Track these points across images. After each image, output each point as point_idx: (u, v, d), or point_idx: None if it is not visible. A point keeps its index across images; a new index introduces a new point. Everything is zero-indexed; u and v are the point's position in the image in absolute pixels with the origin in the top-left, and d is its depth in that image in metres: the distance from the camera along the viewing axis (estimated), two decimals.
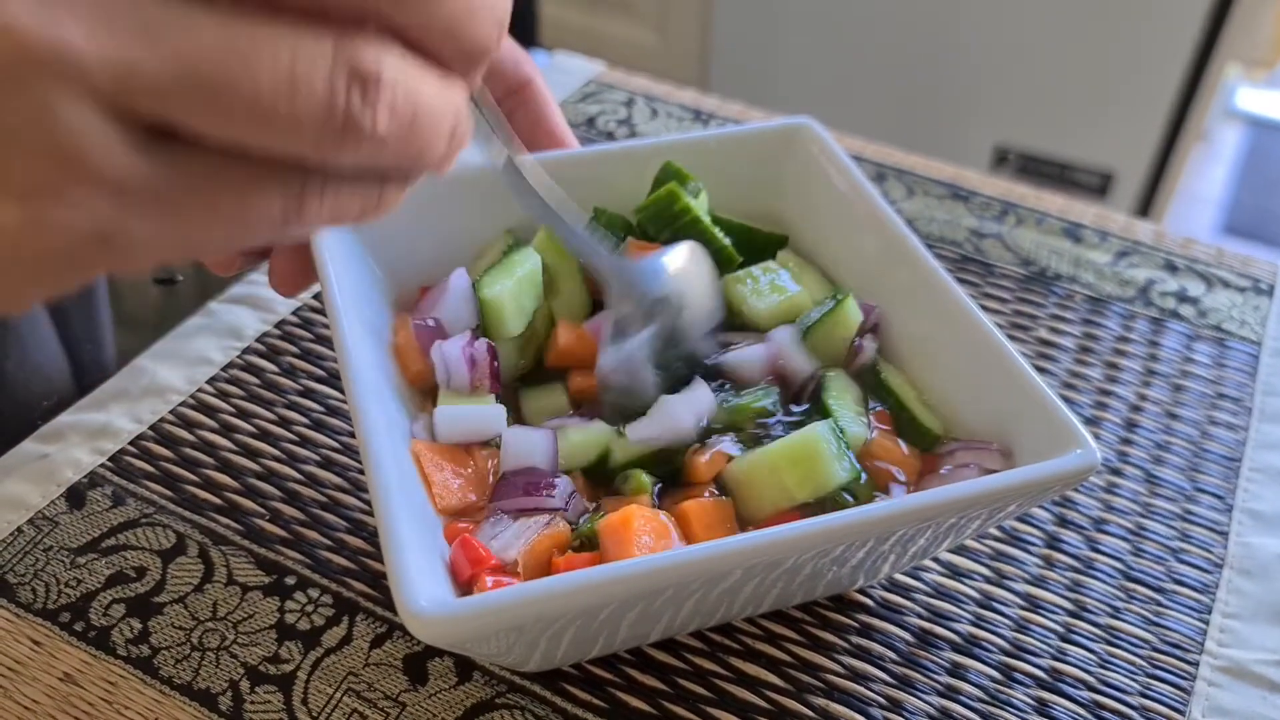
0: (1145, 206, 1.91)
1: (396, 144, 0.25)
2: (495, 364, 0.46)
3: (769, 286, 0.51)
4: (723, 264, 0.51)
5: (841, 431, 0.44)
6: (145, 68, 0.21)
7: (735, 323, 0.50)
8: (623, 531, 0.40)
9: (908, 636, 0.49)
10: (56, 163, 0.22)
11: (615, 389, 0.47)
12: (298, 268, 0.46)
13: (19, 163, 0.22)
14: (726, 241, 0.52)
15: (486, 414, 0.45)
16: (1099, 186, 1.90)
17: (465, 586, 0.39)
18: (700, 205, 0.53)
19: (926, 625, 0.49)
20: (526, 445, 0.44)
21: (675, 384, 0.47)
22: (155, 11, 0.21)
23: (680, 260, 0.48)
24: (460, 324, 0.47)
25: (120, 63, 0.21)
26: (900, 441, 0.46)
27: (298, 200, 0.25)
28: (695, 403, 0.45)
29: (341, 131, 0.23)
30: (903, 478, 0.44)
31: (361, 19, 0.24)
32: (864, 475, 0.44)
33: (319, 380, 0.59)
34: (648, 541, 0.40)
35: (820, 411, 0.45)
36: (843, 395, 0.46)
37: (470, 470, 0.44)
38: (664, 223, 0.51)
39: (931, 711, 0.46)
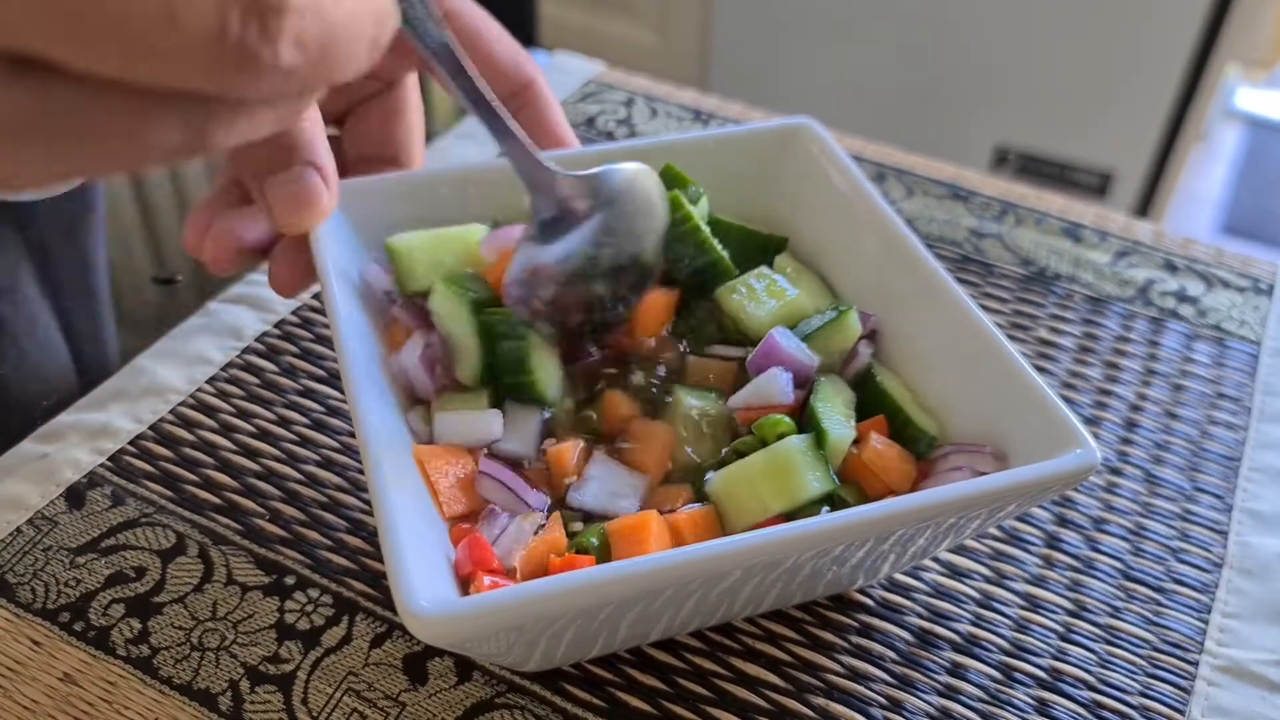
0: (1145, 206, 1.91)
1: (307, 71, 0.23)
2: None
3: (765, 292, 0.51)
4: (718, 276, 0.51)
5: (820, 442, 0.44)
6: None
7: (733, 334, 0.50)
8: (640, 533, 0.40)
9: (908, 636, 0.49)
10: None
11: (518, 297, 0.45)
12: (297, 268, 0.46)
13: None
14: (724, 253, 0.51)
15: (483, 419, 0.45)
16: (1098, 186, 1.91)
17: (465, 584, 0.39)
18: (700, 210, 0.53)
19: (926, 625, 0.49)
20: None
21: (621, 285, 0.46)
22: None
23: (621, 179, 0.47)
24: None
25: None
26: (895, 447, 0.45)
27: (199, 130, 0.24)
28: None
29: (236, 66, 0.21)
30: (896, 486, 0.44)
31: None
32: (840, 484, 0.44)
33: (319, 380, 0.59)
34: (658, 549, 0.40)
35: (809, 416, 0.45)
36: (832, 399, 0.46)
37: (472, 473, 0.44)
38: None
39: (931, 711, 0.46)
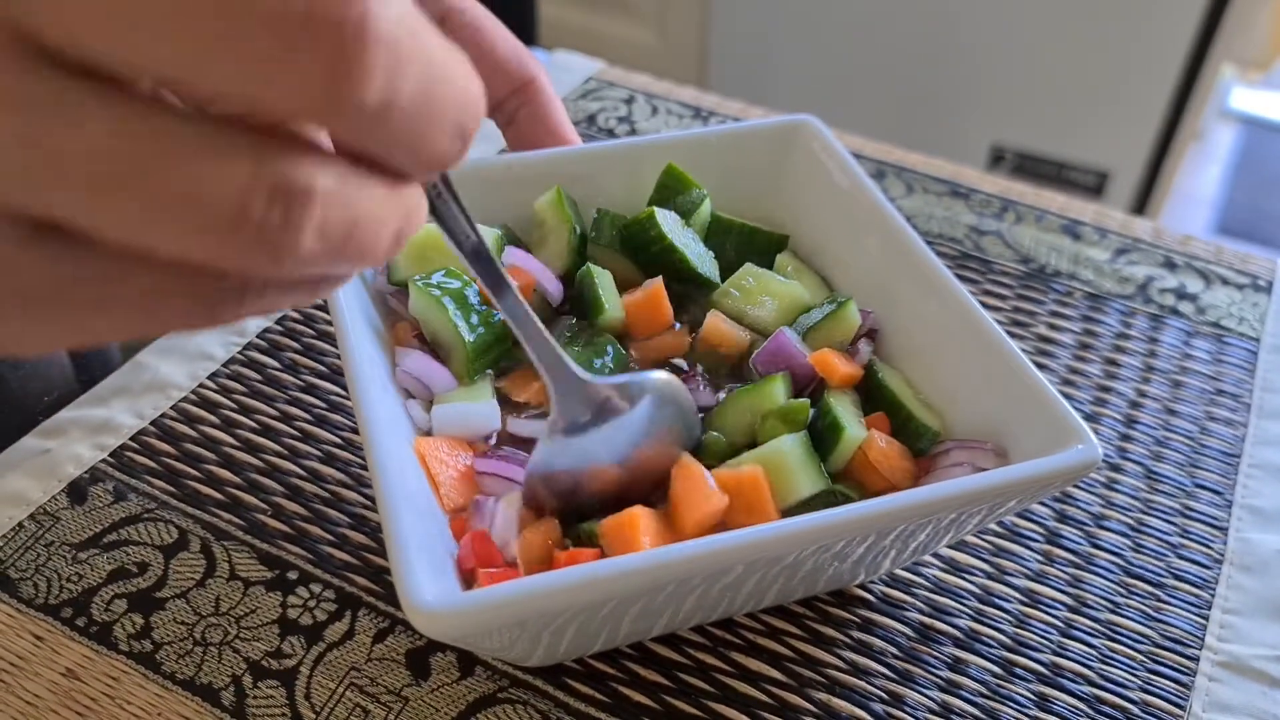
0: (1140, 206, 1.91)
1: (327, 258, 0.22)
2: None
3: (758, 289, 0.51)
4: (700, 288, 0.51)
5: (835, 437, 0.44)
6: (17, 164, 0.19)
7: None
8: (628, 531, 0.40)
9: (909, 631, 0.49)
10: None
11: (529, 495, 0.43)
12: None
13: None
14: (702, 271, 0.51)
15: (482, 410, 0.45)
16: (1094, 186, 1.91)
17: (468, 579, 0.39)
18: (702, 213, 0.53)
19: (927, 620, 0.50)
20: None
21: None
22: (39, 102, 0.19)
23: (658, 380, 0.44)
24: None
25: None
26: (896, 445, 0.46)
27: (210, 307, 0.23)
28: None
29: (255, 250, 0.21)
30: (898, 483, 0.44)
31: (299, 128, 0.22)
32: (842, 482, 0.45)
33: (321, 376, 0.59)
34: (648, 544, 0.40)
35: (823, 410, 0.45)
36: (842, 396, 0.47)
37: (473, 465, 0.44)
38: (639, 245, 0.51)
39: (932, 706, 0.46)
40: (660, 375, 0.44)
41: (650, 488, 0.43)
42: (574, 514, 0.43)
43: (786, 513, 0.42)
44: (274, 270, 0.22)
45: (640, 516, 0.41)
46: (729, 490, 0.41)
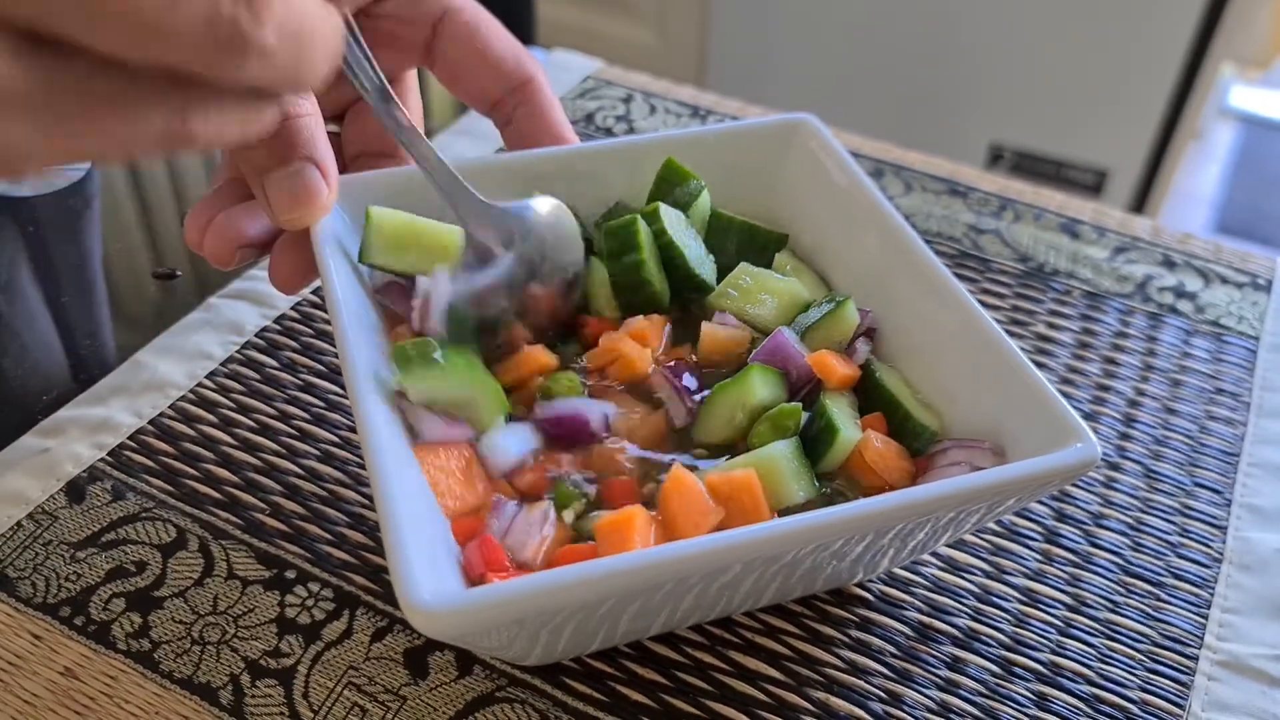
0: (1139, 205, 1.91)
1: (283, 60, 0.25)
2: None
3: (756, 288, 0.51)
4: (651, 300, 0.51)
5: (830, 439, 0.44)
6: None
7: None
8: (624, 531, 0.40)
9: (907, 630, 0.49)
10: None
11: (454, 319, 0.46)
12: (298, 264, 0.46)
13: None
14: (700, 273, 0.51)
15: (520, 439, 0.45)
16: (1093, 185, 1.91)
17: (476, 583, 0.39)
18: (701, 206, 0.53)
19: (926, 619, 0.49)
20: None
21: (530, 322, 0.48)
22: None
23: (545, 209, 0.49)
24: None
25: None
26: (894, 445, 0.46)
27: (181, 116, 0.26)
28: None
29: (229, 44, 0.24)
30: (895, 483, 0.44)
31: None
32: (838, 482, 0.45)
33: (319, 375, 0.59)
34: (642, 544, 0.40)
35: (818, 412, 0.45)
36: (839, 398, 0.47)
37: (474, 469, 0.44)
38: (617, 248, 0.51)
39: (931, 705, 0.46)
40: (549, 201, 0.49)
41: (546, 314, 0.49)
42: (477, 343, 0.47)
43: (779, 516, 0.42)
44: (239, 67, 0.24)
45: (636, 515, 0.41)
46: (721, 494, 0.42)
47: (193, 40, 0.23)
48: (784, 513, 0.42)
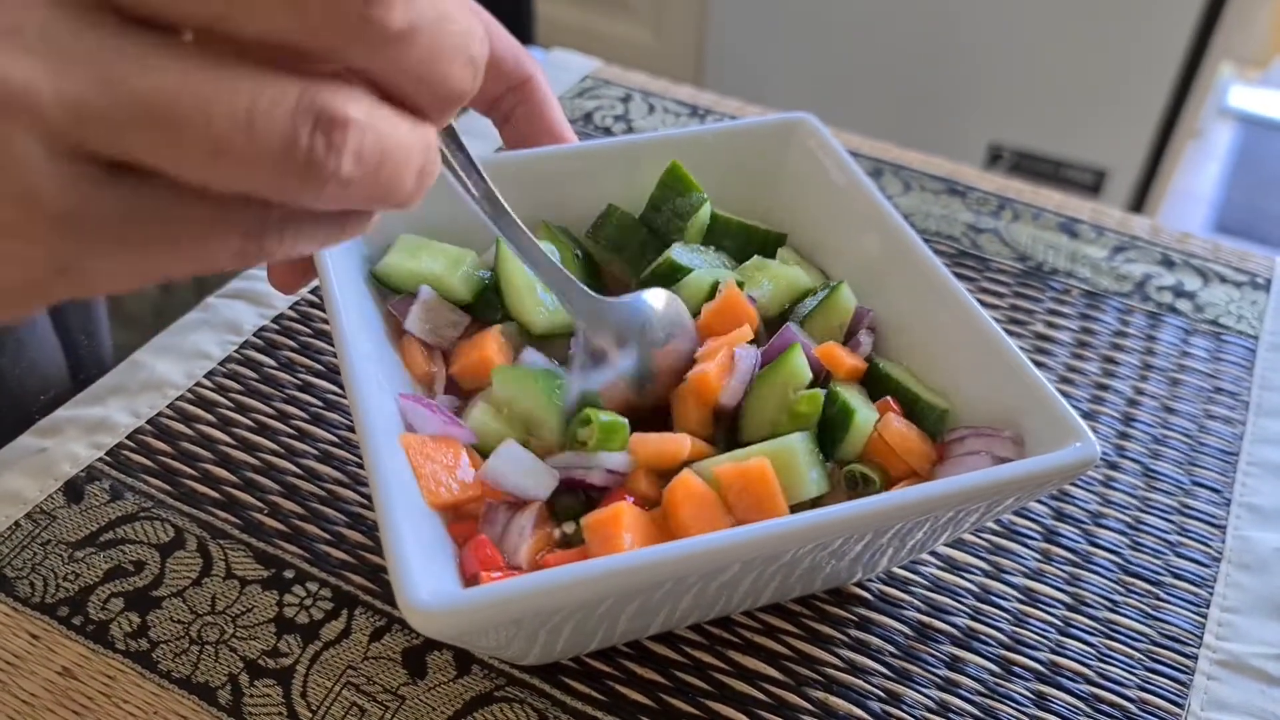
0: (1138, 204, 1.91)
1: (362, 186, 0.25)
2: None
3: (758, 273, 0.51)
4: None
5: (846, 423, 0.44)
6: (99, 106, 0.21)
7: None
8: (611, 528, 0.40)
9: (906, 630, 0.49)
10: (11, 200, 0.22)
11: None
12: (297, 265, 0.46)
13: None
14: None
15: (538, 471, 0.44)
16: (1092, 184, 1.91)
17: (470, 584, 0.39)
18: (701, 216, 0.53)
19: (925, 619, 0.49)
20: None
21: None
22: (112, 52, 0.22)
23: (660, 301, 0.48)
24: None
25: (75, 101, 0.21)
26: (915, 429, 0.45)
27: (257, 238, 0.26)
28: None
29: (303, 173, 0.23)
30: (918, 466, 0.44)
31: (332, 66, 0.24)
32: (863, 464, 0.45)
33: (317, 375, 0.59)
34: (631, 540, 0.40)
35: (831, 397, 0.45)
36: (849, 386, 0.47)
37: (459, 464, 0.43)
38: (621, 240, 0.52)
39: (930, 705, 0.46)
40: (662, 293, 0.48)
41: (664, 396, 0.47)
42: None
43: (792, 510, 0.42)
44: (316, 196, 0.24)
45: (624, 512, 0.40)
46: (734, 487, 0.41)
47: (269, 170, 0.23)
48: (797, 507, 0.42)
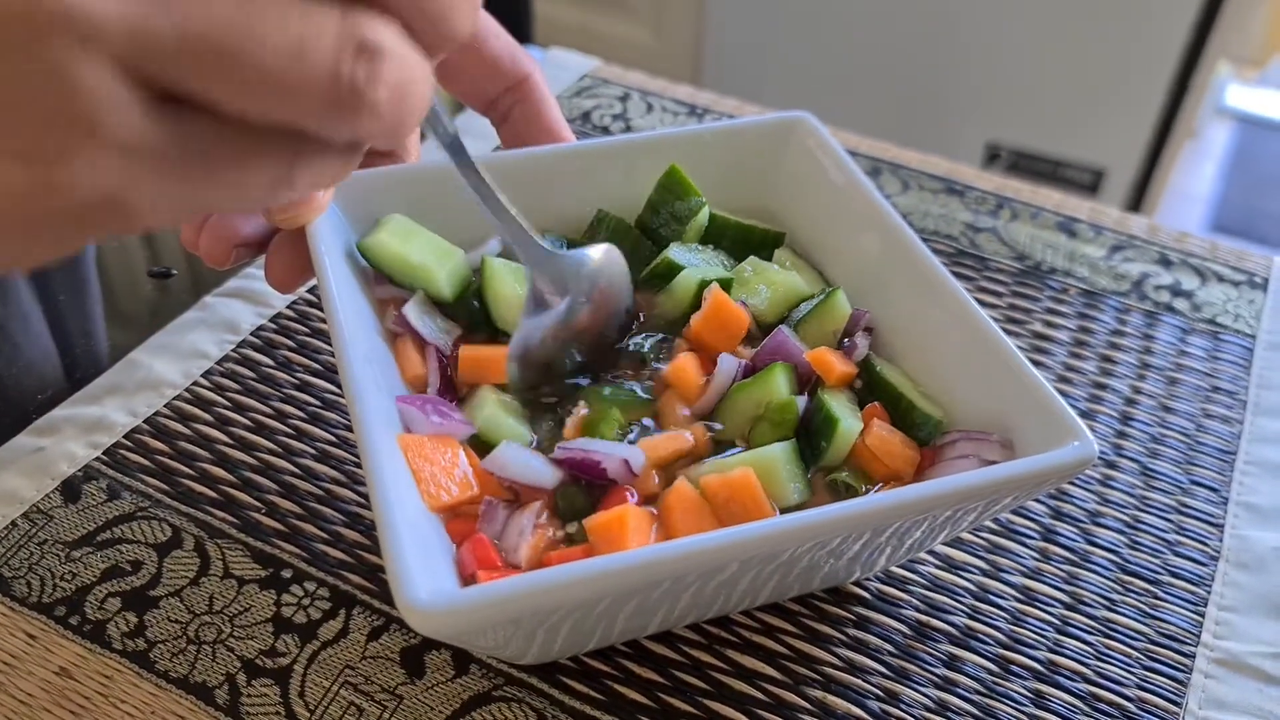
0: (1136, 203, 1.91)
1: (388, 116, 0.25)
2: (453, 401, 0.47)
3: (756, 278, 0.51)
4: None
5: (829, 433, 0.44)
6: (159, 30, 0.22)
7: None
8: (616, 530, 0.40)
9: (904, 629, 0.49)
10: (69, 124, 0.22)
11: (523, 363, 0.47)
12: (294, 263, 0.46)
13: (31, 123, 0.22)
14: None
15: (533, 463, 0.44)
16: (1090, 184, 1.91)
17: (468, 584, 0.39)
18: (699, 220, 0.53)
19: (923, 618, 0.49)
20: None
21: (579, 369, 0.48)
22: None
23: (599, 255, 0.48)
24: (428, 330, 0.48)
25: (135, 24, 0.21)
26: (897, 434, 0.46)
27: (289, 169, 0.26)
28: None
29: (345, 101, 0.24)
30: (901, 471, 0.44)
31: None
32: (846, 471, 0.45)
33: (315, 374, 0.59)
34: (636, 542, 0.40)
35: (816, 405, 0.45)
36: (837, 394, 0.47)
37: (458, 464, 0.43)
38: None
39: (928, 704, 0.46)
40: (602, 247, 0.48)
41: (599, 349, 0.49)
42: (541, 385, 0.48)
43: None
44: (351, 126, 0.25)
45: (629, 514, 0.40)
46: (719, 497, 0.42)
47: (313, 99, 0.24)
48: (781, 513, 0.42)
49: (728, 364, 0.47)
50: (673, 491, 0.42)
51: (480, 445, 0.44)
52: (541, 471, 0.43)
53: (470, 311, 0.49)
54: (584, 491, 0.43)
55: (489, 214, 0.44)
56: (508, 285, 0.49)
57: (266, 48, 0.23)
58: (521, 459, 0.43)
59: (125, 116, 0.22)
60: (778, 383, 0.46)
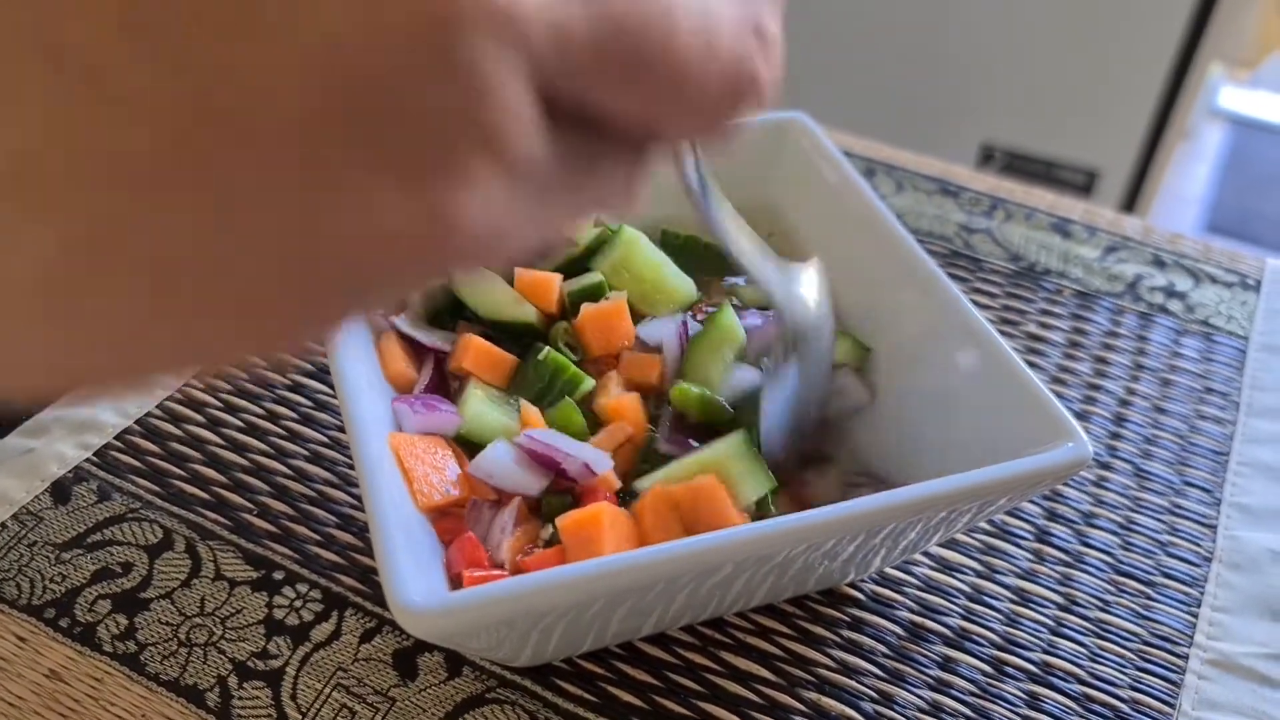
0: (1129, 205, 1.92)
1: (765, 105, 0.22)
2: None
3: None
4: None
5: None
6: (578, 32, 0.17)
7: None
8: (590, 529, 0.40)
9: (899, 630, 0.49)
10: (473, 140, 0.17)
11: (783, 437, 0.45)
12: None
13: (423, 139, 0.17)
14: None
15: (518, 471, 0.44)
16: (1084, 185, 1.91)
17: (456, 583, 0.39)
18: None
19: (917, 619, 0.49)
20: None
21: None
22: None
23: (814, 285, 0.45)
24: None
25: (557, 25, 0.17)
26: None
27: (629, 182, 0.22)
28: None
29: (741, 95, 0.20)
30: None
31: None
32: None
33: (307, 375, 0.58)
34: (609, 544, 0.40)
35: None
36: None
37: (448, 463, 0.43)
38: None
39: (923, 705, 0.46)
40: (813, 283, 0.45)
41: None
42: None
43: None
44: (729, 117, 0.21)
45: (603, 513, 0.40)
46: (685, 504, 0.41)
47: (714, 95, 0.20)
48: (754, 506, 0.42)
49: (667, 330, 0.48)
50: (646, 500, 0.42)
51: (468, 445, 0.44)
52: (527, 477, 0.43)
53: (441, 300, 0.50)
54: (567, 499, 0.43)
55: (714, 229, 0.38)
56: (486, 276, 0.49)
57: (678, 42, 0.19)
58: (505, 464, 0.43)
59: (530, 131, 0.18)
60: (729, 322, 0.48)
